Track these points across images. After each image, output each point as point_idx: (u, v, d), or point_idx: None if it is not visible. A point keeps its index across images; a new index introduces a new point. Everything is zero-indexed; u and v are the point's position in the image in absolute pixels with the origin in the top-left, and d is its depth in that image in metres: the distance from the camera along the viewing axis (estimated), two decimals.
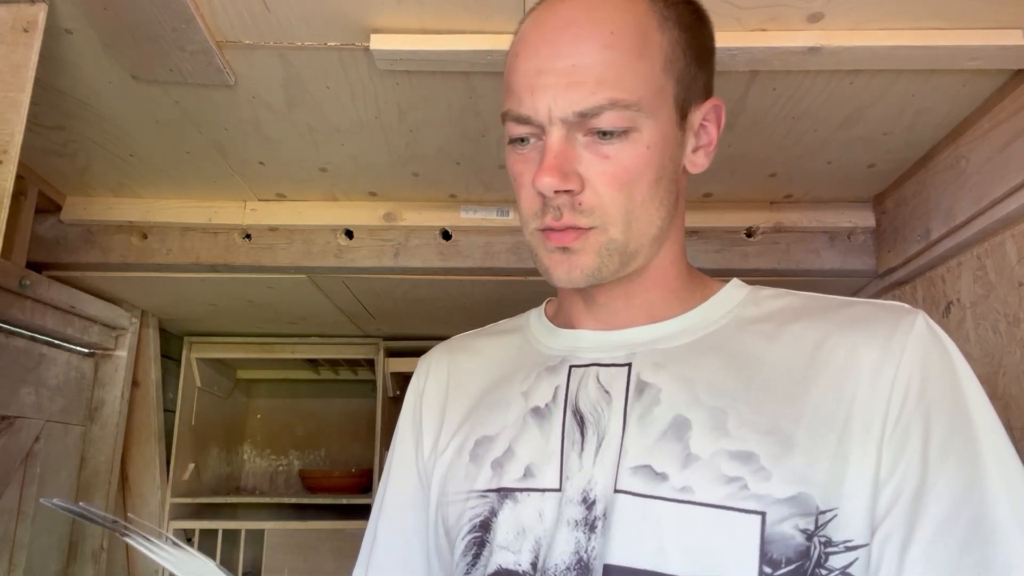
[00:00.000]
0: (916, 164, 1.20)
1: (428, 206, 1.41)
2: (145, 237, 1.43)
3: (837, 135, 1.11)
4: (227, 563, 2.12)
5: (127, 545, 1.82)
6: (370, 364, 2.28)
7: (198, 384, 2.15)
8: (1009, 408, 1.00)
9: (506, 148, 0.63)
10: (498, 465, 0.63)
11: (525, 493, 0.61)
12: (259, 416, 2.52)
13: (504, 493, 0.62)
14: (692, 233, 1.39)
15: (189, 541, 2.03)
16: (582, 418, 0.62)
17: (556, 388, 0.64)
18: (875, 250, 1.36)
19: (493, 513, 0.62)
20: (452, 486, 0.66)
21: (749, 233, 1.38)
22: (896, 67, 0.92)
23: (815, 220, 1.37)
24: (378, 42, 0.88)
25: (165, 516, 1.91)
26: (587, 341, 0.67)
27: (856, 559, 0.53)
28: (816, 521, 0.53)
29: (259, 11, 0.85)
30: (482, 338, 0.78)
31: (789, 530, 0.52)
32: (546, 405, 0.64)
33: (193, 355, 2.13)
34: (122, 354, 1.68)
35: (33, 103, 0.85)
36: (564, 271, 0.60)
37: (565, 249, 0.60)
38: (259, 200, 1.42)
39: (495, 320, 0.80)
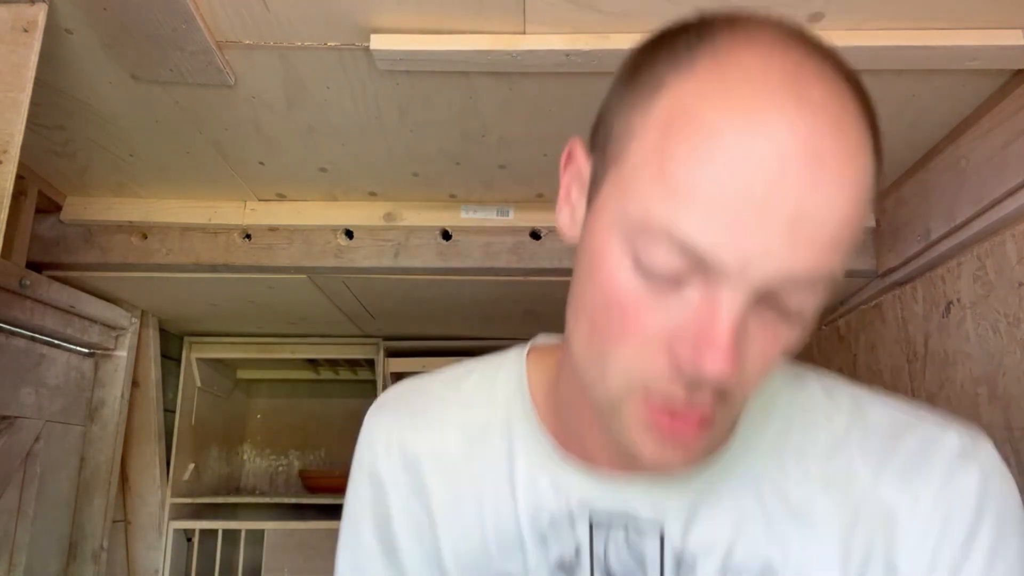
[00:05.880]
0: (916, 164, 1.20)
1: (428, 206, 1.41)
2: (145, 237, 1.43)
3: None
4: (227, 563, 2.12)
5: (127, 544, 1.83)
6: (370, 364, 2.27)
7: (198, 384, 2.15)
8: (1009, 408, 1.00)
9: (616, 258, 0.43)
10: None
11: None
12: (259, 416, 2.52)
13: None
14: None
15: (189, 541, 2.03)
16: None
17: (578, 545, 0.54)
18: (875, 250, 1.36)
19: None
20: None
21: None
22: (896, 67, 0.92)
23: None
24: (378, 42, 0.88)
25: (165, 516, 1.90)
26: (609, 488, 0.53)
27: None
28: None
29: (259, 11, 0.85)
30: (448, 427, 0.60)
31: None
32: (569, 561, 0.54)
33: (193, 355, 2.13)
34: (122, 354, 1.68)
35: (33, 103, 0.85)
36: (661, 457, 0.44)
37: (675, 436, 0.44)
38: (259, 200, 1.42)
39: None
